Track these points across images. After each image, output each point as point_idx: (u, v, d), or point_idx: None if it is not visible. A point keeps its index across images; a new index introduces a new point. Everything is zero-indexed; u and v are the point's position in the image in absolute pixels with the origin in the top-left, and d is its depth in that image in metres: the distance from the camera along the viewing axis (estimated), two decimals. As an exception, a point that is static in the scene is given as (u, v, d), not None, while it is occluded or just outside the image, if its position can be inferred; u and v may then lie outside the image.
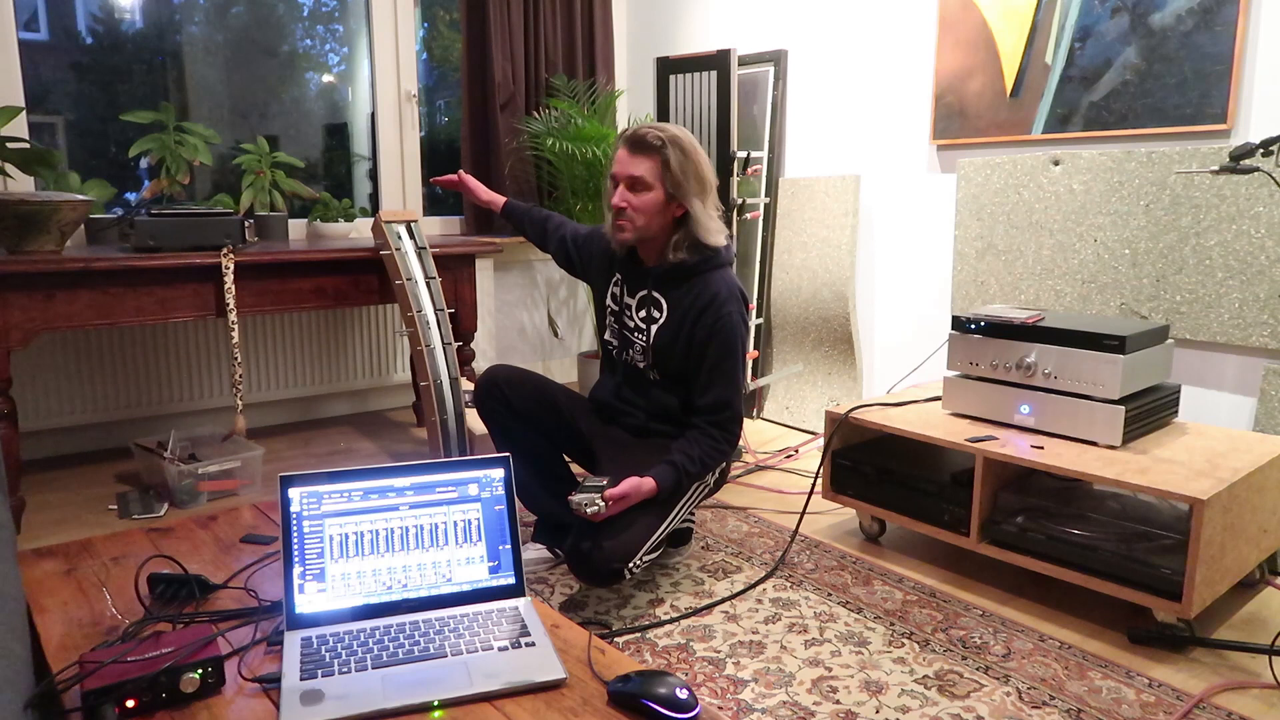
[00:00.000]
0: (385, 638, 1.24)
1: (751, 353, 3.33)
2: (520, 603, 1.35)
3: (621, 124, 4.12)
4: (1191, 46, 2.37)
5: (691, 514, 2.23)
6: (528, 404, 2.12)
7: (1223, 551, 1.79)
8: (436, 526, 1.37)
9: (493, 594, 1.36)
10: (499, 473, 1.41)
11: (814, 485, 2.40)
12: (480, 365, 3.71)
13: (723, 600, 2.02)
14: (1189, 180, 2.39)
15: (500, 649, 1.23)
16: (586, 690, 1.17)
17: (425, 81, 3.91)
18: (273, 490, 2.66)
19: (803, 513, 2.37)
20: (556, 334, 4.16)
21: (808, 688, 1.67)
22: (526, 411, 2.12)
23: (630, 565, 1.84)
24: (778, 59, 3.43)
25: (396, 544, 1.34)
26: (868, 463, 2.31)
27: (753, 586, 2.09)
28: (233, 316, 2.64)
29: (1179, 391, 2.20)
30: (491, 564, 1.37)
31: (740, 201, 3.14)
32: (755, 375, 3.48)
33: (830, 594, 2.06)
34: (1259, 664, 1.76)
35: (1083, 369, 2.03)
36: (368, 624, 1.28)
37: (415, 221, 2.90)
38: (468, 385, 2.84)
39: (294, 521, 1.31)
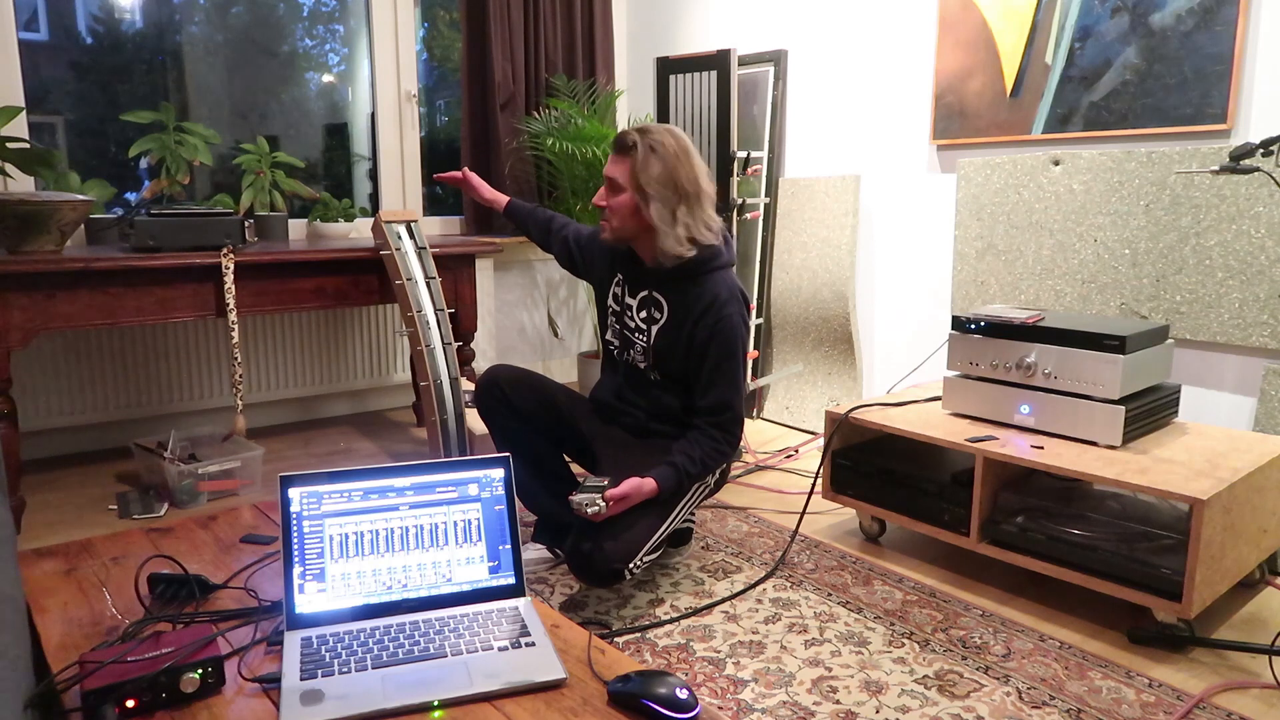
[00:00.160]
0: (385, 638, 1.24)
1: (752, 353, 3.33)
2: (520, 603, 1.35)
3: (621, 124, 4.12)
4: (1191, 46, 2.37)
5: (692, 514, 2.23)
6: (528, 404, 2.12)
7: (1223, 551, 1.79)
8: (436, 526, 1.37)
9: (493, 594, 1.36)
10: (499, 473, 1.41)
11: (814, 485, 2.40)
12: (480, 365, 3.71)
13: (723, 600, 2.02)
14: (1189, 180, 2.39)
15: (500, 649, 1.23)
16: (586, 690, 1.17)
17: (425, 81, 3.91)
18: (273, 490, 2.66)
19: (803, 513, 2.37)
20: (556, 334, 4.16)
21: (808, 688, 1.67)
22: (527, 411, 2.12)
23: (631, 566, 1.85)
24: (778, 59, 3.43)
25: (396, 544, 1.34)
26: (868, 463, 2.31)
27: (753, 586, 2.09)
28: (233, 316, 2.64)
29: (1179, 391, 2.20)
30: (491, 564, 1.37)
31: (740, 201, 3.14)
32: (755, 375, 3.48)
33: (830, 594, 2.06)
34: (1259, 664, 1.76)
35: (1083, 369, 2.03)
36: (368, 624, 1.28)
37: (415, 221, 2.90)
38: (468, 385, 2.84)
39: (294, 521, 1.31)
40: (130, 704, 1.09)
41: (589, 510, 1.77)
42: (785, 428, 3.45)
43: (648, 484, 1.86)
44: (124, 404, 3.12)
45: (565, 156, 3.58)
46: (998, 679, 1.70)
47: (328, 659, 1.19)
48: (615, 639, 1.84)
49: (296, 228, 3.39)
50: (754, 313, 3.44)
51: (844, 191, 3.25)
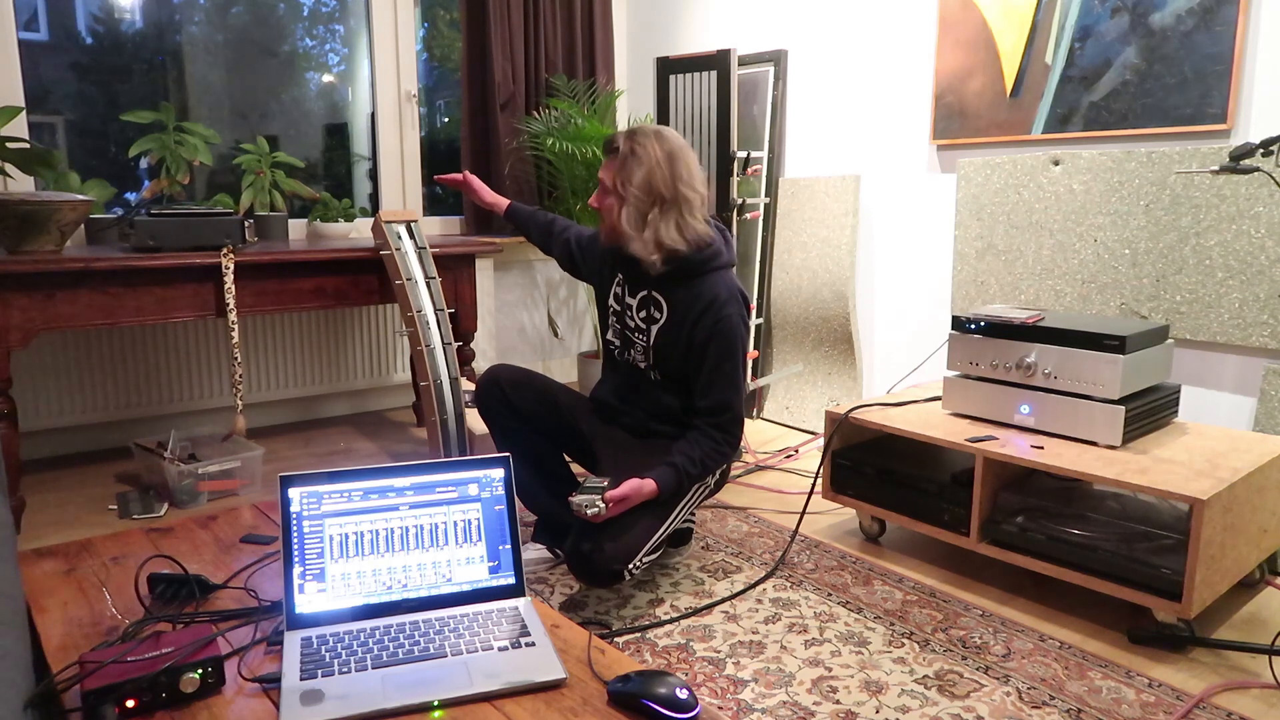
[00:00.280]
0: (385, 638, 1.24)
1: (751, 353, 3.33)
2: (520, 603, 1.35)
3: (621, 124, 4.12)
4: (1191, 46, 2.37)
5: (692, 514, 2.23)
6: (529, 403, 2.12)
7: (1223, 551, 1.79)
8: (436, 526, 1.37)
9: (493, 594, 1.36)
10: (499, 473, 1.41)
11: (814, 485, 2.40)
12: (480, 365, 3.71)
13: (723, 600, 2.02)
14: (1189, 180, 2.39)
15: (500, 649, 1.23)
16: (586, 690, 1.17)
17: (425, 81, 3.91)
18: (273, 490, 2.66)
19: (803, 513, 2.37)
20: (556, 334, 4.16)
21: (808, 688, 1.67)
22: (527, 411, 2.12)
23: (630, 566, 1.85)
24: (778, 59, 3.43)
25: (396, 544, 1.34)
26: (868, 463, 2.31)
27: (753, 586, 2.09)
28: (233, 316, 2.64)
29: (1179, 391, 2.20)
30: (491, 564, 1.37)
31: (740, 201, 3.14)
32: (755, 375, 3.48)
33: (830, 594, 2.06)
34: (1259, 664, 1.76)
35: (1083, 369, 2.03)
36: (368, 624, 1.28)
37: (415, 221, 2.90)
38: (468, 385, 2.84)
39: (294, 521, 1.31)
40: (130, 704, 1.09)
41: (588, 511, 1.77)
42: (785, 428, 3.45)
43: (647, 485, 1.86)
44: (124, 404, 3.12)
45: (565, 156, 3.58)
46: (998, 679, 1.70)
47: (328, 659, 1.19)
48: (615, 639, 1.84)
49: (296, 228, 3.39)
50: (754, 313, 3.44)
51: (844, 191, 3.25)
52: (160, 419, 3.21)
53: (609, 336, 2.16)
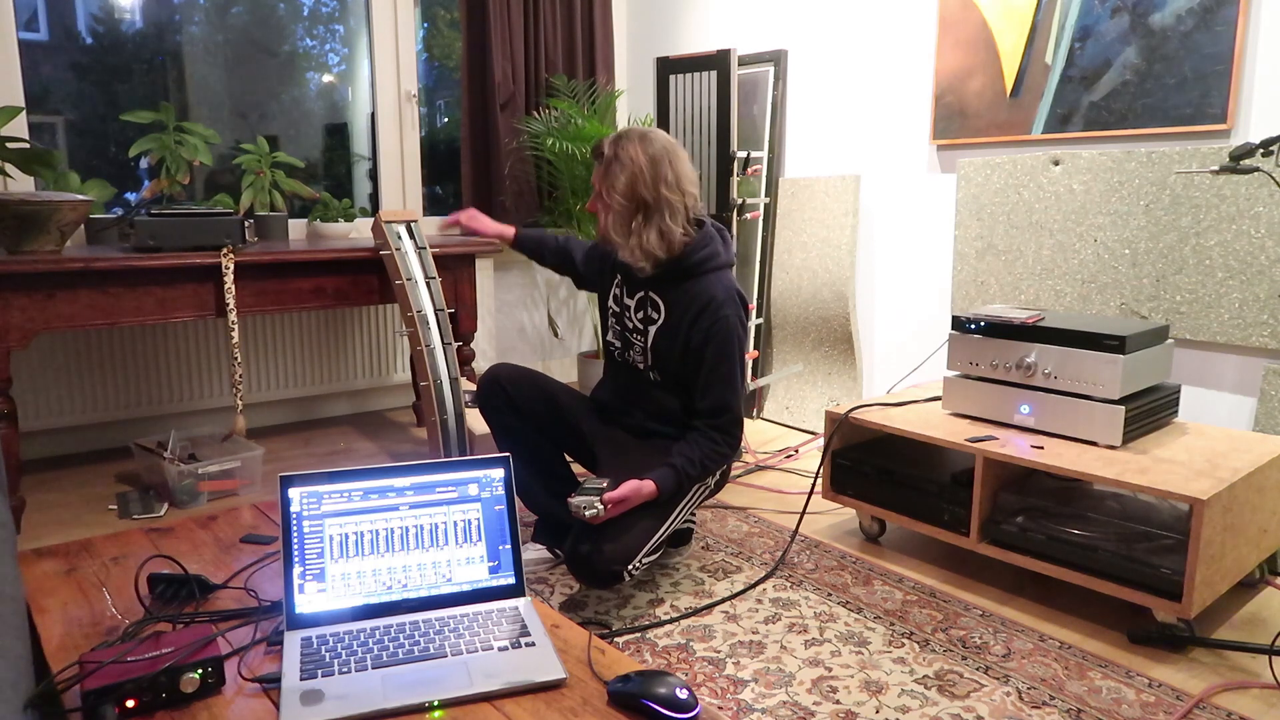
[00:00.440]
0: (385, 638, 1.24)
1: (751, 353, 3.33)
2: (520, 603, 1.35)
3: (621, 124, 4.12)
4: (1191, 46, 2.37)
5: (692, 514, 2.23)
6: (530, 402, 2.12)
7: (1223, 551, 1.79)
8: (436, 526, 1.37)
9: (493, 594, 1.36)
10: (499, 473, 1.41)
11: (814, 485, 2.40)
12: (480, 365, 3.71)
13: (723, 600, 2.02)
14: (1189, 180, 2.39)
15: (500, 649, 1.23)
16: (586, 690, 1.17)
17: (425, 81, 3.91)
18: (273, 490, 2.66)
19: (803, 513, 2.37)
20: (556, 334, 4.16)
21: (808, 688, 1.67)
22: (529, 410, 2.12)
23: (630, 568, 1.84)
24: (778, 59, 3.43)
25: (396, 544, 1.34)
26: (868, 463, 2.31)
27: (753, 586, 2.09)
28: (233, 316, 2.64)
29: (1179, 391, 2.20)
30: (491, 564, 1.37)
31: (740, 201, 3.14)
32: (755, 375, 3.49)
33: (830, 594, 2.06)
34: (1259, 664, 1.76)
35: (1083, 369, 2.03)
36: (368, 624, 1.28)
37: (415, 221, 2.90)
38: (468, 385, 2.84)
39: (294, 521, 1.31)
40: (130, 704, 1.09)
41: (587, 513, 1.77)
42: (785, 428, 3.45)
43: (647, 486, 1.86)
44: (124, 404, 3.12)
45: (565, 156, 3.58)
46: (998, 679, 1.70)
47: (328, 659, 1.19)
48: (615, 639, 1.84)
49: (296, 228, 3.39)
50: (754, 313, 3.44)
51: (844, 191, 3.25)
52: (160, 419, 3.21)
53: (609, 338, 2.16)
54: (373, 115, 3.69)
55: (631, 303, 2.07)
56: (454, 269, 3.10)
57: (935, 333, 3.10)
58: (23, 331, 2.39)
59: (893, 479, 2.25)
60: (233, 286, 2.63)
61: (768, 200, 3.44)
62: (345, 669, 1.17)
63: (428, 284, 2.84)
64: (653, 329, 2.02)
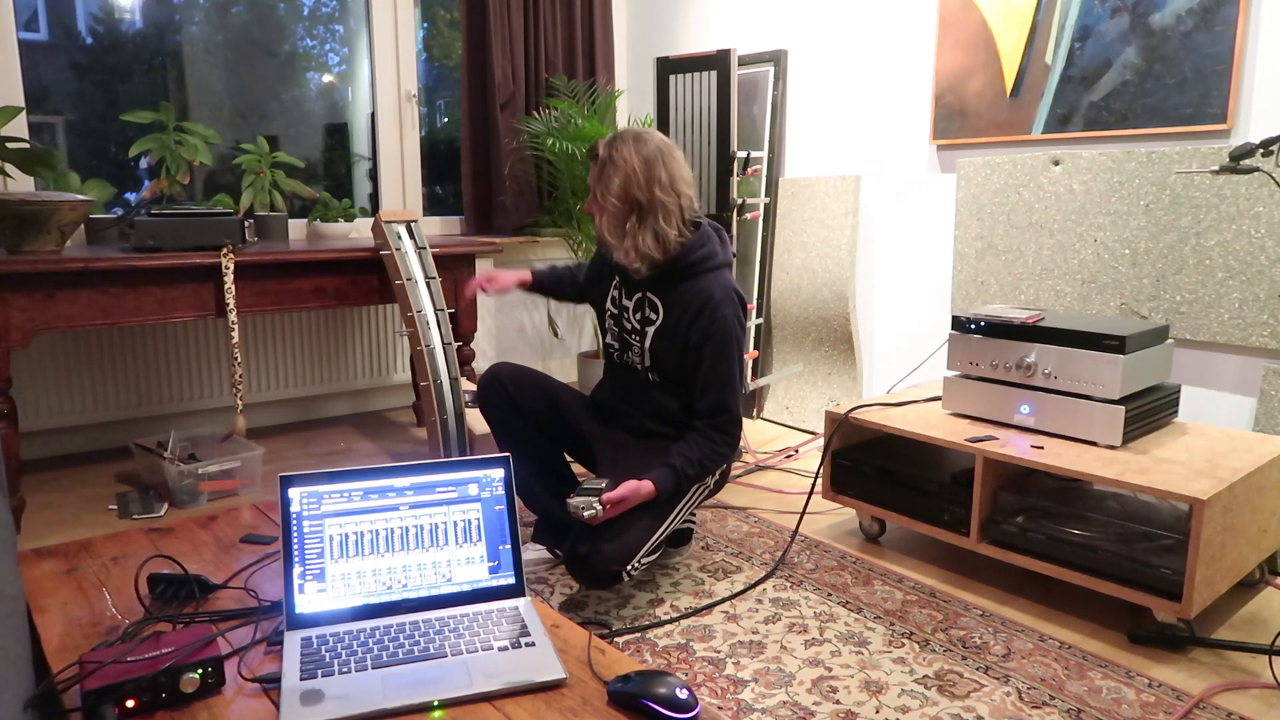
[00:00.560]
0: (385, 638, 1.24)
1: (751, 353, 3.33)
2: (520, 603, 1.35)
3: (621, 124, 4.12)
4: (1191, 46, 2.37)
5: (692, 514, 2.23)
6: (530, 401, 2.12)
7: (1223, 551, 1.79)
8: (436, 526, 1.37)
9: (493, 594, 1.36)
10: (499, 473, 1.41)
11: (814, 485, 2.40)
12: (480, 365, 3.71)
13: (723, 600, 2.02)
14: (1189, 180, 2.39)
15: (500, 649, 1.23)
16: (586, 690, 1.17)
17: (425, 81, 3.91)
18: (273, 490, 2.66)
19: (803, 513, 2.36)
20: (556, 334, 4.16)
21: (808, 688, 1.67)
22: (529, 409, 2.12)
23: (628, 568, 1.84)
24: (778, 59, 3.43)
25: (396, 544, 1.34)
26: (868, 463, 2.31)
27: (753, 586, 2.09)
28: (233, 316, 2.64)
29: (1179, 391, 2.20)
30: (491, 564, 1.37)
31: (740, 201, 3.14)
32: (755, 375, 3.49)
33: (830, 594, 2.06)
34: (1259, 664, 1.76)
35: (1083, 369, 2.03)
36: (368, 624, 1.28)
37: (415, 221, 2.90)
38: (468, 385, 2.84)
39: (294, 521, 1.31)
40: (130, 704, 1.09)
41: (585, 514, 1.77)
42: (785, 428, 3.45)
43: (645, 486, 1.85)
44: (124, 404, 3.12)
45: (565, 156, 3.58)
46: (998, 679, 1.70)
47: (328, 659, 1.19)
48: (615, 639, 1.84)
49: (296, 228, 3.39)
50: (754, 313, 3.44)
51: (844, 191, 3.25)
52: (160, 419, 3.21)
53: (607, 340, 2.16)
54: (373, 115, 3.69)
55: (630, 304, 2.07)
56: (454, 269, 3.10)
57: (935, 333, 3.10)
58: (23, 331, 2.39)
59: (893, 479, 2.25)
60: (233, 286, 2.63)
61: (768, 200, 3.44)
62: (345, 669, 1.17)
63: (428, 284, 2.84)
64: (651, 330, 2.02)
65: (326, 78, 3.69)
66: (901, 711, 1.60)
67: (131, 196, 3.30)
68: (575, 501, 1.79)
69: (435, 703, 1.11)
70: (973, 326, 2.23)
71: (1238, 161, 1.92)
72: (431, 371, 2.76)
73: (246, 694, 1.15)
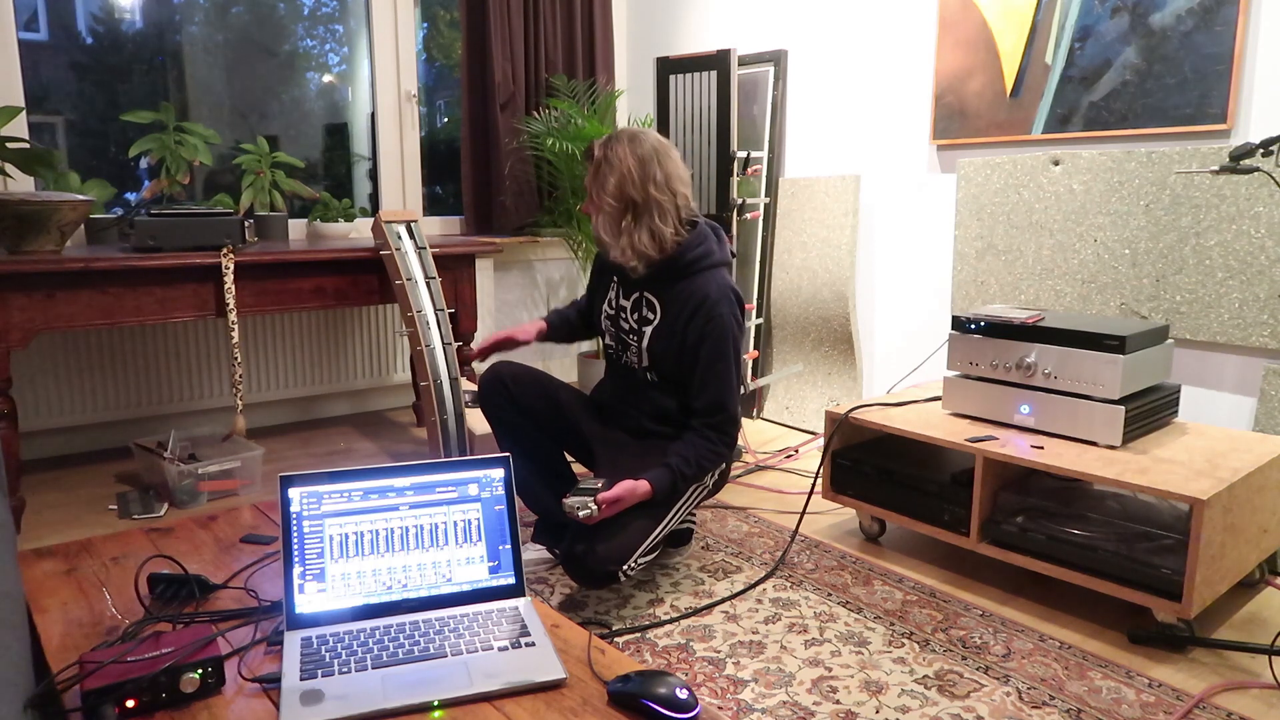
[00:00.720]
0: (385, 638, 1.24)
1: (751, 353, 3.33)
2: (520, 603, 1.35)
3: (621, 124, 4.12)
4: (1191, 46, 2.37)
5: (692, 514, 2.23)
6: (531, 399, 2.12)
7: (1223, 551, 1.79)
8: (436, 526, 1.37)
9: (493, 594, 1.36)
10: (499, 473, 1.41)
11: (814, 485, 2.40)
12: (480, 365, 3.71)
13: (723, 600, 2.02)
14: (1189, 180, 2.39)
15: (500, 649, 1.23)
16: (586, 690, 1.17)
17: (425, 81, 3.91)
18: (273, 490, 2.66)
19: (803, 513, 2.36)
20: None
21: (808, 688, 1.67)
22: (530, 408, 2.12)
23: (624, 568, 1.84)
24: (778, 59, 3.43)
25: (396, 544, 1.34)
26: (868, 463, 2.31)
27: (753, 586, 2.09)
28: (233, 316, 2.64)
29: (1179, 391, 2.20)
30: (491, 564, 1.37)
31: (740, 201, 3.14)
32: (755, 375, 3.48)
33: (830, 594, 2.06)
34: (1259, 664, 1.76)
35: (1083, 369, 2.03)
36: (368, 624, 1.28)
37: (415, 221, 2.90)
38: (468, 385, 2.84)
39: (294, 521, 1.31)
40: (130, 704, 1.09)
41: (580, 513, 1.77)
42: (785, 428, 3.45)
43: (641, 486, 1.85)
44: (124, 404, 3.12)
45: (565, 156, 3.58)
46: (998, 679, 1.70)
47: (328, 659, 1.19)
48: (615, 639, 1.84)
49: (296, 228, 3.39)
50: (753, 313, 3.44)
51: (844, 191, 3.25)
52: (160, 419, 3.21)
53: (606, 340, 2.16)
54: (373, 115, 3.69)
55: (628, 304, 2.07)
56: (454, 269, 3.10)
57: (935, 333, 3.10)
58: (23, 331, 2.39)
59: (893, 479, 2.25)
60: (233, 286, 2.63)
61: (768, 200, 3.44)
62: (345, 669, 1.17)
63: (428, 284, 2.84)
64: (649, 330, 2.02)
65: (326, 78, 3.69)
66: (901, 711, 1.60)
67: (131, 196, 3.30)
68: (571, 501, 1.79)
69: (435, 703, 1.11)
70: (973, 326, 2.23)
71: (1238, 161, 1.92)
72: (431, 371, 2.76)
73: (246, 694, 1.15)
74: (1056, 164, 2.65)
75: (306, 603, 1.28)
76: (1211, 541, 1.74)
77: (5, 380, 2.38)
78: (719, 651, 1.80)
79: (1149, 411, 2.08)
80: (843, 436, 2.38)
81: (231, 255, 2.62)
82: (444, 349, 2.81)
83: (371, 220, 3.10)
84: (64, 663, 1.19)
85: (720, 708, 1.61)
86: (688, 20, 3.87)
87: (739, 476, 2.88)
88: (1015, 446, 2.03)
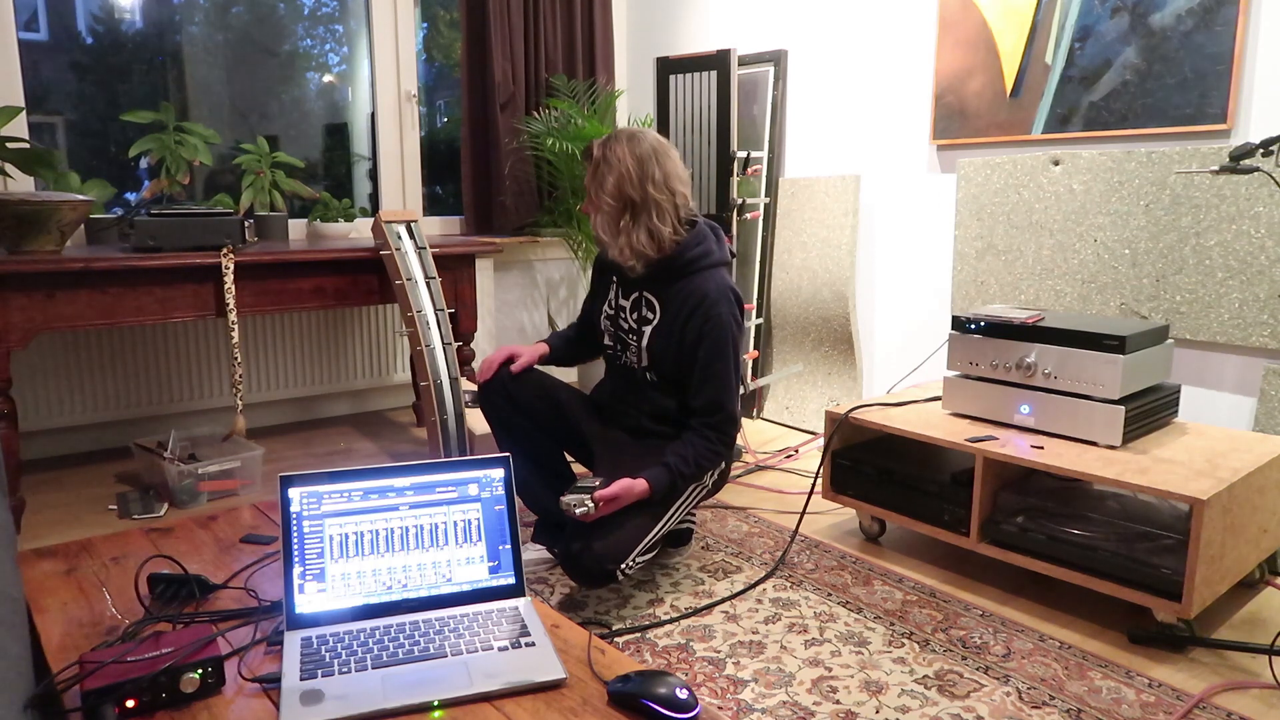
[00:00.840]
0: (385, 638, 1.24)
1: (751, 353, 3.33)
2: (520, 603, 1.35)
3: (621, 124, 4.12)
4: (1191, 46, 2.37)
5: (692, 514, 2.23)
6: (531, 399, 2.12)
7: (1223, 551, 1.79)
8: (436, 526, 1.37)
9: (493, 594, 1.36)
10: (499, 473, 1.41)
11: (814, 485, 2.40)
12: (480, 365, 3.70)
13: (723, 600, 2.02)
14: (1189, 180, 2.39)
15: (500, 649, 1.23)
16: (586, 690, 1.17)
17: (425, 81, 3.91)
18: (273, 490, 2.66)
19: (803, 513, 2.36)
20: (556, 334, 4.16)
21: (808, 688, 1.67)
22: (530, 407, 2.12)
23: (622, 567, 1.84)
24: (778, 59, 3.43)
25: (396, 544, 1.34)
26: (868, 463, 2.31)
27: (753, 586, 2.09)
28: (233, 316, 2.64)
29: (1179, 391, 2.20)
30: (491, 564, 1.37)
31: (740, 201, 3.14)
32: (755, 375, 3.48)
33: (830, 594, 2.06)
34: (1259, 664, 1.76)
35: (1083, 369, 2.03)
36: (368, 624, 1.28)
37: (415, 221, 2.90)
38: (468, 385, 2.84)
39: (294, 521, 1.31)
40: (130, 704, 1.09)
41: (577, 511, 1.77)
42: (785, 428, 3.45)
43: (639, 485, 1.85)
44: (124, 404, 3.12)
45: (565, 156, 3.58)
46: (998, 679, 1.70)
47: (328, 659, 1.19)
48: (615, 639, 1.84)
49: (296, 228, 3.39)
50: (753, 312, 3.44)
51: (844, 191, 3.25)
52: (160, 419, 3.21)
53: (606, 341, 2.16)
54: (373, 115, 3.69)
55: (627, 304, 2.07)
56: (454, 269, 3.10)
57: (935, 333, 3.10)
58: (23, 331, 2.39)
59: (893, 479, 2.25)
60: (233, 286, 2.63)
61: (768, 200, 3.44)
62: (345, 669, 1.17)
63: (428, 284, 2.84)
64: (648, 329, 2.02)
65: (326, 78, 3.69)
66: (901, 711, 1.60)
67: (131, 196, 3.30)
68: (568, 499, 1.79)
69: (435, 703, 1.11)
70: (973, 326, 2.23)
71: (1238, 161, 1.92)
72: (431, 371, 2.76)
73: (246, 694, 1.15)
74: (1056, 164, 2.65)
75: (306, 603, 1.28)
76: (1211, 541, 1.74)
77: (5, 380, 2.38)
78: (719, 651, 1.80)
79: (1149, 411, 2.08)
80: (843, 436, 2.38)
81: (231, 255, 2.62)
82: (444, 349, 2.81)
83: (371, 220, 3.10)
84: (64, 663, 1.19)
85: (720, 708, 1.61)
86: (688, 20, 3.87)
87: (739, 476, 2.88)
88: (1015, 446, 2.03)
